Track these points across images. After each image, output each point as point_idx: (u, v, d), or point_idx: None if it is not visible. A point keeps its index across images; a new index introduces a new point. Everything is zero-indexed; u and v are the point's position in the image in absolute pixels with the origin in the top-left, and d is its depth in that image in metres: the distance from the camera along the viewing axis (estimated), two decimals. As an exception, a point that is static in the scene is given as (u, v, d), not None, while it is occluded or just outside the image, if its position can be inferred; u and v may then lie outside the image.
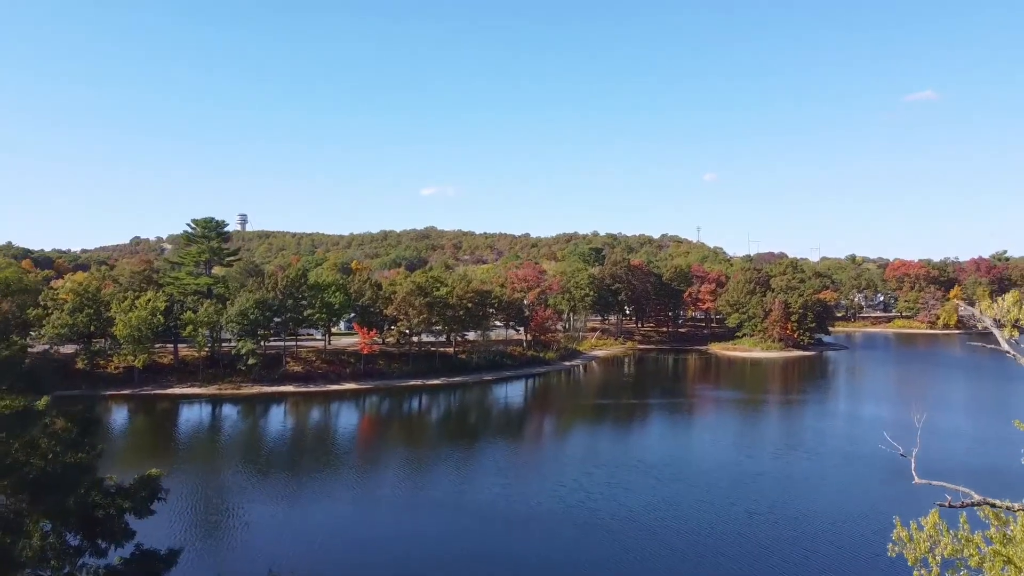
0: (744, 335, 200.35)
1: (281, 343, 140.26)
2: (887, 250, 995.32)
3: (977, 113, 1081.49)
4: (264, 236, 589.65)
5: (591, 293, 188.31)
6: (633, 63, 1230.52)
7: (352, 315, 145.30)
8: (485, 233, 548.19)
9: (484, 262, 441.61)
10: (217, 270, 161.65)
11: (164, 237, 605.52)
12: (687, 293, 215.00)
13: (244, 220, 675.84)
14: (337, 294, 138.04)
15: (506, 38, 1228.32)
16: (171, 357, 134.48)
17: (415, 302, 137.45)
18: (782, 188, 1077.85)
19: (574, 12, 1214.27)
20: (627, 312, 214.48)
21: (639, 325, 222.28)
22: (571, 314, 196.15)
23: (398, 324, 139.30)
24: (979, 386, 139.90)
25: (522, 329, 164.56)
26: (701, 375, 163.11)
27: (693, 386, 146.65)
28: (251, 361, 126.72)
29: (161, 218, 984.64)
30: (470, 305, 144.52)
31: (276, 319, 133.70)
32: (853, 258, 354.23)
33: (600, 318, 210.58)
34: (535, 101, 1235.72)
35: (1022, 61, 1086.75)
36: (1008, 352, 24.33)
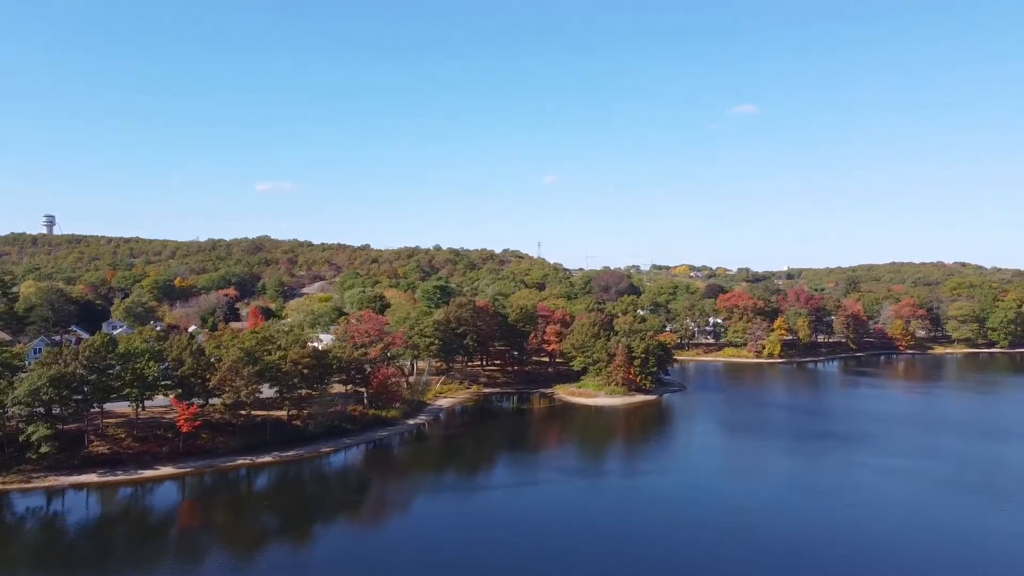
0: (589, 375, 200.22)
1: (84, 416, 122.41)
2: (713, 258, 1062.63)
3: (793, 127, 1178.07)
4: (75, 242, 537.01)
5: (436, 341, 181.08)
6: (475, 69, 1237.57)
7: (169, 384, 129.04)
8: (323, 244, 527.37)
9: (321, 278, 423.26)
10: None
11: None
12: (532, 336, 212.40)
13: (51, 222, 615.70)
14: (152, 364, 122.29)
15: (345, 35, 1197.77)
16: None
17: (243, 371, 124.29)
18: (617, 193, 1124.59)
19: (421, 14, 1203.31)
20: (471, 354, 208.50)
21: (483, 365, 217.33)
22: (415, 361, 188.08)
23: (223, 396, 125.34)
24: (805, 447, 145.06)
25: (365, 390, 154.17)
26: (544, 433, 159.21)
27: (535, 452, 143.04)
28: (44, 449, 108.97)
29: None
30: (305, 371, 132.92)
31: (76, 396, 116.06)
32: (687, 287, 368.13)
33: (444, 362, 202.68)
34: (377, 103, 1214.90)
35: (835, 82, 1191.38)
36: None
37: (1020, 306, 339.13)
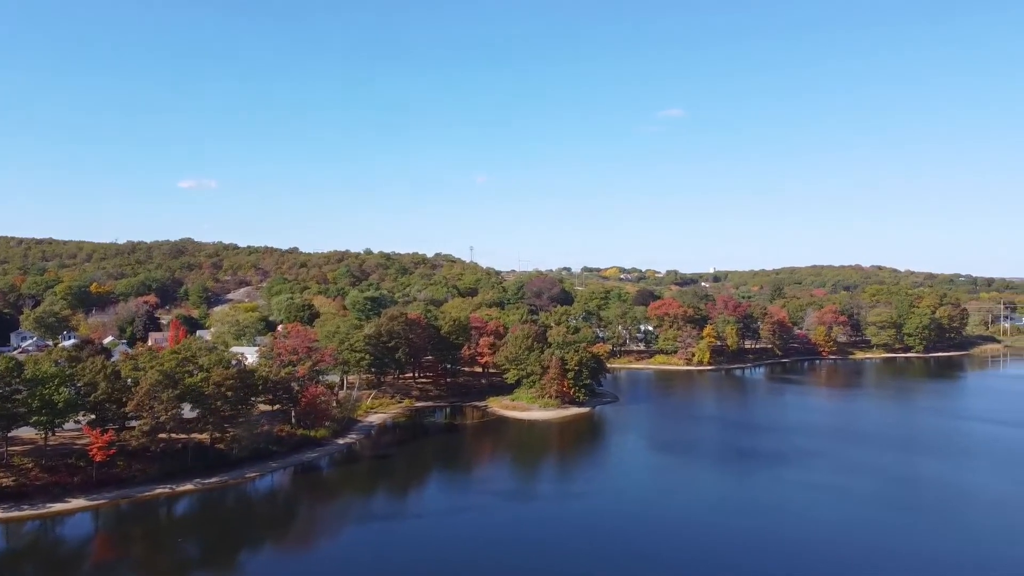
0: (523, 388, 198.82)
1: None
2: (643, 260, 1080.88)
3: (717, 129, 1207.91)
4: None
5: (367, 356, 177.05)
6: (406, 71, 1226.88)
7: (81, 407, 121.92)
8: (249, 247, 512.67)
9: (247, 284, 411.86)
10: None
11: None
12: (465, 349, 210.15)
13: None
14: (62, 389, 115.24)
15: (276, 30, 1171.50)
16: None
17: (163, 395, 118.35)
18: (547, 194, 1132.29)
19: (351, 17, 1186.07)
20: (403, 367, 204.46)
21: (415, 377, 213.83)
22: (345, 376, 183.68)
23: (140, 421, 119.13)
24: (735, 464, 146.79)
25: (292, 409, 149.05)
26: (477, 451, 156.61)
27: (468, 472, 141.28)
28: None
29: None
30: (229, 393, 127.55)
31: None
32: (618, 293, 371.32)
33: (375, 375, 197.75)
34: (306, 98, 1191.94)
35: (760, 88, 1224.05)
36: None
37: (934, 312, 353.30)
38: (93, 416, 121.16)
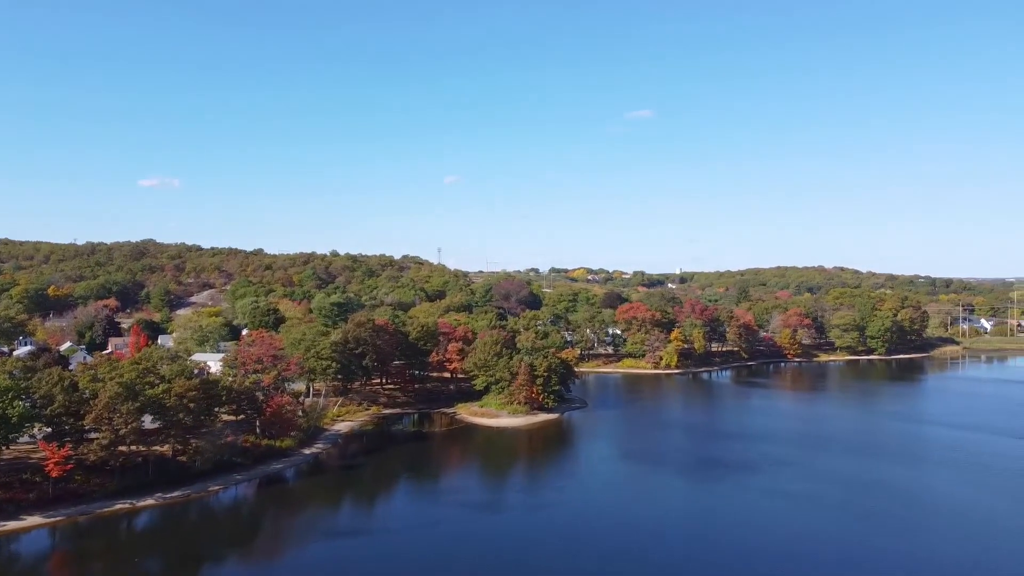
0: (491, 394, 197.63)
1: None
2: (610, 260, 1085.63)
3: (686, 130, 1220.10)
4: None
5: (334, 364, 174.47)
6: (370, 69, 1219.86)
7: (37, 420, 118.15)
8: (213, 248, 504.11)
9: (211, 286, 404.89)
10: None
11: None
12: (433, 355, 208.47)
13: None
14: (17, 403, 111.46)
15: (240, 27, 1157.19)
16: None
17: (122, 408, 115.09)
18: (516, 194, 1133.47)
19: (322, 16, 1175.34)
20: (370, 373, 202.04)
21: (383, 384, 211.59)
22: (311, 384, 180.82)
23: (99, 435, 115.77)
24: (703, 473, 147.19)
25: (257, 419, 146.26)
26: (445, 461, 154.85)
27: (436, 484, 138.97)
28: None
29: None
30: (192, 404, 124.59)
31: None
32: (587, 296, 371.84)
33: (342, 382, 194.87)
34: (274, 99, 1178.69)
35: (725, 92, 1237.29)
36: None
37: (895, 315, 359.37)
38: (49, 430, 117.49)
